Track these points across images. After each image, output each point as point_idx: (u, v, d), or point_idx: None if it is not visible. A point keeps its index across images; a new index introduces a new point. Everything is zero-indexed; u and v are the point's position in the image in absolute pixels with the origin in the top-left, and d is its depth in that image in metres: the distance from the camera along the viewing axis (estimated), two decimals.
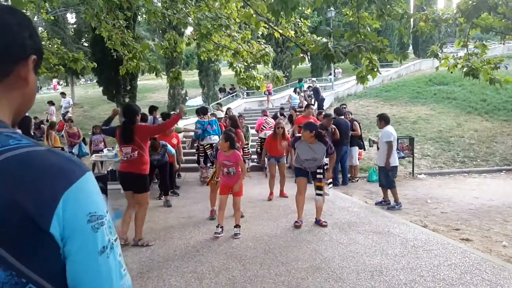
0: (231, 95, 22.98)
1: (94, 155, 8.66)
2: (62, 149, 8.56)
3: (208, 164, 8.03)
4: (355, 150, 8.90)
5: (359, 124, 9.25)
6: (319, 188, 5.06)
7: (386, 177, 6.45)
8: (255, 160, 8.82)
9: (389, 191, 6.55)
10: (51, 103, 15.93)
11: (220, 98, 22.51)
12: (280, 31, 5.36)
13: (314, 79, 19.66)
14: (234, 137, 4.85)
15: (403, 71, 23.98)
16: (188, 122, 12.32)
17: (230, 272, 3.69)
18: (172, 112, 10.58)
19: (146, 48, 6.38)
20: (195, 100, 23.10)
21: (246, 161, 7.93)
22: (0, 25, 0.70)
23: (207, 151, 7.97)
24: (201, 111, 8.49)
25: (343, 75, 27.72)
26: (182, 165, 8.29)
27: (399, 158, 9.11)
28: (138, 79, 18.54)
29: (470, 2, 4.14)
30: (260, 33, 5.83)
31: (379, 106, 16.34)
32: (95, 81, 22.62)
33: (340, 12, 20.87)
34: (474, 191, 8.09)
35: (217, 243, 4.51)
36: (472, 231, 5.22)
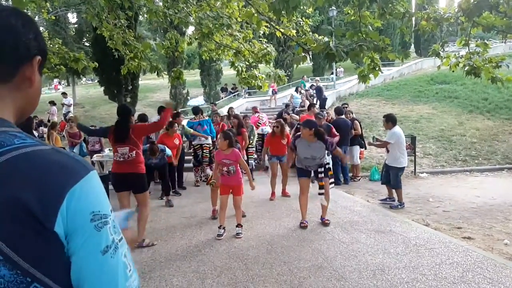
0: (233, 94, 23.00)
1: (95, 155, 8.66)
2: (64, 149, 8.56)
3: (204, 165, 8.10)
4: (356, 149, 8.89)
5: (360, 123, 9.24)
6: (321, 187, 5.05)
7: (395, 177, 6.39)
8: (257, 160, 8.83)
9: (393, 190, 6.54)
10: (52, 103, 15.97)
11: (222, 98, 22.52)
12: (282, 30, 5.36)
13: (317, 78, 19.65)
14: (232, 136, 4.86)
15: (405, 70, 23.93)
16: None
17: (232, 271, 3.70)
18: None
19: (147, 48, 6.40)
20: (197, 100, 23.11)
21: (250, 161, 7.96)
22: (6, 26, 0.71)
23: (197, 151, 8.02)
24: (192, 111, 8.58)
25: (345, 74, 27.72)
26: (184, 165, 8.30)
27: None
28: (140, 79, 18.57)
29: (472, 1, 4.13)
30: (262, 32, 5.84)
31: (381, 105, 16.33)
32: (96, 81, 22.65)
33: (341, 11, 20.84)
34: (476, 189, 8.07)
35: (219, 243, 4.52)
36: (474, 230, 5.21)
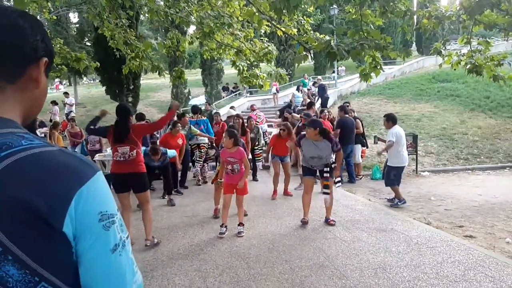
0: (234, 93, 23.00)
1: (97, 154, 8.68)
2: (66, 148, 8.59)
3: (202, 164, 8.13)
4: (358, 148, 8.89)
5: (361, 122, 9.24)
6: (326, 187, 5.05)
7: (388, 175, 6.44)
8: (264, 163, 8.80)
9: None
10: (54, 103, 16.00)
11: (223, 97, 22.53)
12: (283, 29, 5.36)
13: (319, 77, 19.61)
14: (237, 134, 4.87)
15: (406, 68, 23.89)
16: None
17: (234, 270, 3.71)
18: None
19: (148, 47, 6.40)
20: (198, 99, 23.08)
21: (258, 163, 7.98)
22: (14, 28, 0.72)
23: (194, 151, 8.05)
24: (191, 110, 8.63)
25: (346, 72, 27.67)
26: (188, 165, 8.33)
27: None
28: (141, 78, 18.58)
29: None
30: (263, 31, 5.83)
31: (383, 104, 16.31)
32: (98, 80, 22.69)
33: (343, 10, 20.82)
34: (477, 188, 8.06)
35: (221, 242, 4.52)
36: (476, 228, 5.21)
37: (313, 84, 16.90)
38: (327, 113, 9.02)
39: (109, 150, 8.66)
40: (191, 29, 11.75)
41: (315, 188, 5.40)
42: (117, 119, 4.34)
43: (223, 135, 5.04)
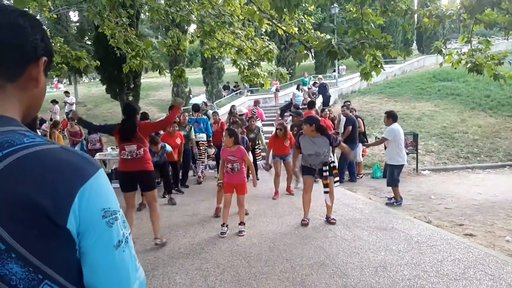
0: (235, 92, 22.99)
1: (98, 153, 8.68)
2: None
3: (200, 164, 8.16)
4: (359, 146, 8.91)
5: (363, 120, 9.25)
6: (326, 186, 5.05)
7: (391, 174, 6.40)
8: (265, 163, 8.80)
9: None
10: (55, 102, 16.00)
11: (224, 96, 22.52)
12: (284, 28, 5.36)
13: (320, 76, 19.59)
14: (237, 132, 4.88)
15: (407, 67, 23.88)
16: None
17: (235, 269, 3.72)
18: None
19: (149, 46, 6.41)
20: (199, 98, 23.06)
21: (258, 162, 7.99)
22: (14, 27, 0.73)
23: (193, 149, 8.08)
24: (192, 108, 8.67)
25: (347, 71, 27.64)
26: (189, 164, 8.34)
27: None
28: (142, 77, 18.55)
29: None
30: (264, 30, 5.82)
31: (383, 103, 16.30)
32: (98, 79, 22.67)
33: (343, 9, 20.79)
34: (477, 186, 8.07)
35: (222, 241, 4.54)
36: (476, 227, 5.22)
37: (314, 84, 16.87)
38: (327, 112, 9.03)
39: (109, 149, 8.69)
40: (192, 27, 11.75)
41: (316, 187, 5.40)
42: (123, 118, 4.34)
43: (223, 133, 5.04)
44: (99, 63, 7.84)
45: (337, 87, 19.39)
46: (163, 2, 6.55)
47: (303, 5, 4.39)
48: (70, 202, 0.66)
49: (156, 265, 3.89)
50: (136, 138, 4.20)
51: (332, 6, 20.52)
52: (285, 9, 3.60)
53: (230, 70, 23.30)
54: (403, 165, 6.55)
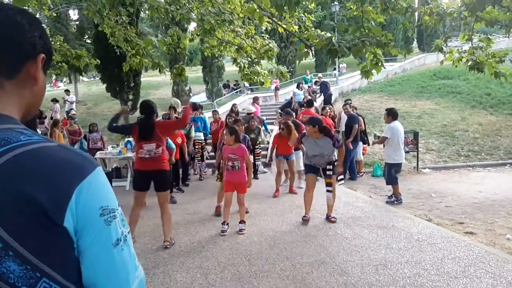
0: (235, 91, 22.97)
1: (98, 152, 8.68)
2: None
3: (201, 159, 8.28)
4: (359, 145, 8.91)
5: (363, 119, 9.25)
6: (329, 184, 5.05)
7: (389, 173, 6.43)
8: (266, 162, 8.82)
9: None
10: (55, 100, 15.99)
11: (224, 94, 22.50)
12: (284, 26, 5.34)
13: (320, 74, 19.57)
14: (238, 130, 4.89)
15: (407, 65, 23.84)
16: None
17: (236, 267, 3.72)
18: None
19: (149, 45, 6.40)
20: (199, 97, 23.09)
21: (257, 162, 7.99)
22: (12, 23, 0.72)
23: (188, 148, 8.11)
24: (192, 108, 8.76)
25: (347, 70, 27.62)
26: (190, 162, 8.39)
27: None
28: (142, 76, 18.55)
29: None
30: (264, 28, 5.81)
31: (384, 101, 16.29)
32: (98, 78, 22.66)
33: (344, 7, 20.77)
34: (478, 185, 8.08)
35: (223, 239, 4.54)
36: (476, 225, 5.22)
37: (315, 83, 16.84)
38: (328, 110, 9.03)
39: (110, 148, 8.69)
40: (192, 26, 11.73)
41: (317, 185, 5.39)
42: (142, 117, 4.33)
43: (224, 132, 5.04)
44: (99, 61, 7.83)
45: (338, 86, 19.38)
46: (163, 0, 6.54)
47: (303, 3, 4.38)
48: (67, 200, 0.66)
49: (157, 263, 3.89)
50: (154, 137, 4.18)
51: (332, 4, 20.52)
52: (285, 7, 3.59)
53: (230, 69, 23.28)
54: (401, 163, 6.54)
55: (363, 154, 9.26)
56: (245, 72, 6.16)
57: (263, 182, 7.78)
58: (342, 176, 5.27)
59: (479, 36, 5.60)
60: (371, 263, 3.71)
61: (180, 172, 7.67)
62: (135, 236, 4.49)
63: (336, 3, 20.31)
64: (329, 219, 5.11)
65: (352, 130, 8.12)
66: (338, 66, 24.00)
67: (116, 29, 6.11)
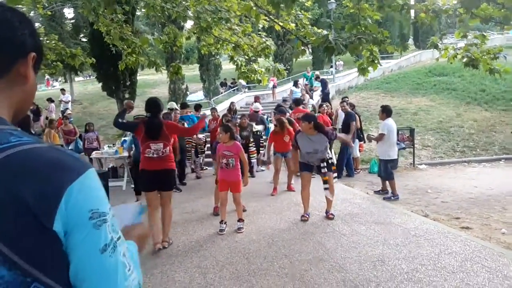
0: (233, 89, 22.93)
1: (94, 152, 8.65)
2: (62, 146, 8.55)
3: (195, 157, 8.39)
4: (356, 142, 8.94)
5: (359, 117, 9.28)
6: (326, 182, 5.06)
7: (385, 169, 6.52)
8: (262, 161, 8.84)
9: (387, 182, 6.62)
10: (50, 100, 15.90)
11: (222, 93, 22.46)
12: (281, 23, 5.34)
13: (317, 72, 19.58)
14: (232, 128, 4.89)
15: (403, 62, 23.90)
16: None
17: (234, 266, 3.73)
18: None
19: (145, 43, 6.38)
20: (196, 95, 23.04)
21: (252, 160, 7.99)
22: (2, 22, 0.72)
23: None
24: (180, 106, 9.04)
25: (344, 67, 27.65)
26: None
27: (399, 149, 9.22)
28: (138, 74, 18.47)
29: None
30: (261, 26, 5.82)
31: (380, 98, 16.33)
32: (94, 77, 22.55)
33: (340, 4, 20.74)
34: (473, 180, 8.14)
35: (221, 238, 4.55)
36: (472, 220, 5.27)
37: (316, 79, 16.83)
38: (325, 108, 9.04)
39: (106, 148, 8.65)
40: (188, 24, 11.70)
41: (314, 182, 5.41)
42: (149, 115, 4.20)
43: (219, 130, 5.04)
44: (94, 60, 7.80)
45: (334, 83, 19.39)
46: None
47: (300, 0, 4.38)
48: (57, 202, 0.64)
49: (155, 263, 3.88)
50: (162, 136, 4.08)
51: (329, 1, 20.50)
52: (282, 5, 3.59)
53: (227, 67, 23.26)
54: (396, 159, 6.71)
55: (360, 151, 9.30)
56: (242, 70, 6.17)
57: (261, 180, 7.79)
58: (336, 174, 5.29)
59: (474, 33, 5.63)
60: (369, 259, 3.73)
61: (177, 172, 7.66)
62: (160, 240, 4.22)
63: (332, 0, 20.29)
64: (327, 215, 5.13)
65: (349, 127, 8.15)
66: (335, 64, 24.01)
67: (112, 27, 6.08)
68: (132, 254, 0.79)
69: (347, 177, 8.42)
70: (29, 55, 0.75)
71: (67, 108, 16.21)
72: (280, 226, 4.89)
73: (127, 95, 16.15)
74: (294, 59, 25.08)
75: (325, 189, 5.08)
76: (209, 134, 8.84)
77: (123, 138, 8.70)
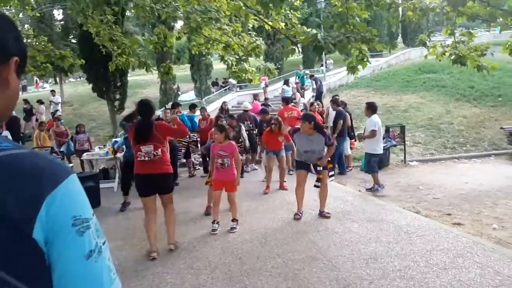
0: (224, 88, 22.88)
1: (85, 153, 8.56)
2: (52, 148, 8.44)
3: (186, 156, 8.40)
4: (347, 140, 9.00)
5: (350, 115, 9.32)
6: (318, 180, 5.07)
7: (368, 162, 6.81)
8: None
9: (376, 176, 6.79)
10: (40, 102, 15.71)
11: (213, 92, 22.40)
12: (270, 23, 5.35)
13: (307, 71, 19.63)
14: (227, 128, 4.89)
15: (393, 60, 24.07)
16: None
17: (227, 266, 3.71)
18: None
19: (135, 43, 6.34)
20: (188, 95, 22.94)
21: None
22: None
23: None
24: (171, 106, 9.15)
25: (334, 66, 27.76)
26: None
27: (390, 146, 9.34)
28: (128, 75, 18.32)
29: None
30: (251, 25, 5.81)
31: (370, 96, 16.43)
32: (84, 78, 22.30)
33: (329, 3, 20.81)
34: (464, 176, 8.23)
35: (213, 238, 4.53)
36: (463, 216, 5.33)
37: (310, 77, 16.88)
38: (316, 106, 9.07)
39: (97, 149, 8.57)
40: (178, 24, 11.62)
41: (308, 181, 5.42)
42: (139, 118, 4.05)
43: (213, 130, 5.02)
44: (84, 61, 7.72)
45: (325, 82, 19.45)
46: None
47: (289, 0, 4.39)
48: (37, 209, 0.63)
49: (146, 265, 3.85)
50: (153, 138, 3.91)
51: (317, 1, 20.57)
52: (270, 4, 3.59)
53: (218, 66, 23.16)
54: (381, 153, 7.00)
55: (351, 149, 9.36)
56: (233, 70, 6.16)
57: (254, 179, 7.79)
58: (332, 172, 5.32)
59: (461, 30, 5.70)
60: (362, 257, 3.75)
61: None
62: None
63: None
64: (322, 214, 5.12)
65: (344, 126, 8.28)
66: (325, 62, 24.11)
67: (101, 28, 6.03)
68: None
69: (339, 175, 8.46)
70: (12, 59, 0.73)
71: (57, 110, 16.05)
72: (273, 226, 4.88)
73: (118, 96, 16.01)
74: (284, 58, 25.10)
75: (315, 186, 5.09)
76: (199, 134, 8.79)
77: (113, 139, 8.63)
